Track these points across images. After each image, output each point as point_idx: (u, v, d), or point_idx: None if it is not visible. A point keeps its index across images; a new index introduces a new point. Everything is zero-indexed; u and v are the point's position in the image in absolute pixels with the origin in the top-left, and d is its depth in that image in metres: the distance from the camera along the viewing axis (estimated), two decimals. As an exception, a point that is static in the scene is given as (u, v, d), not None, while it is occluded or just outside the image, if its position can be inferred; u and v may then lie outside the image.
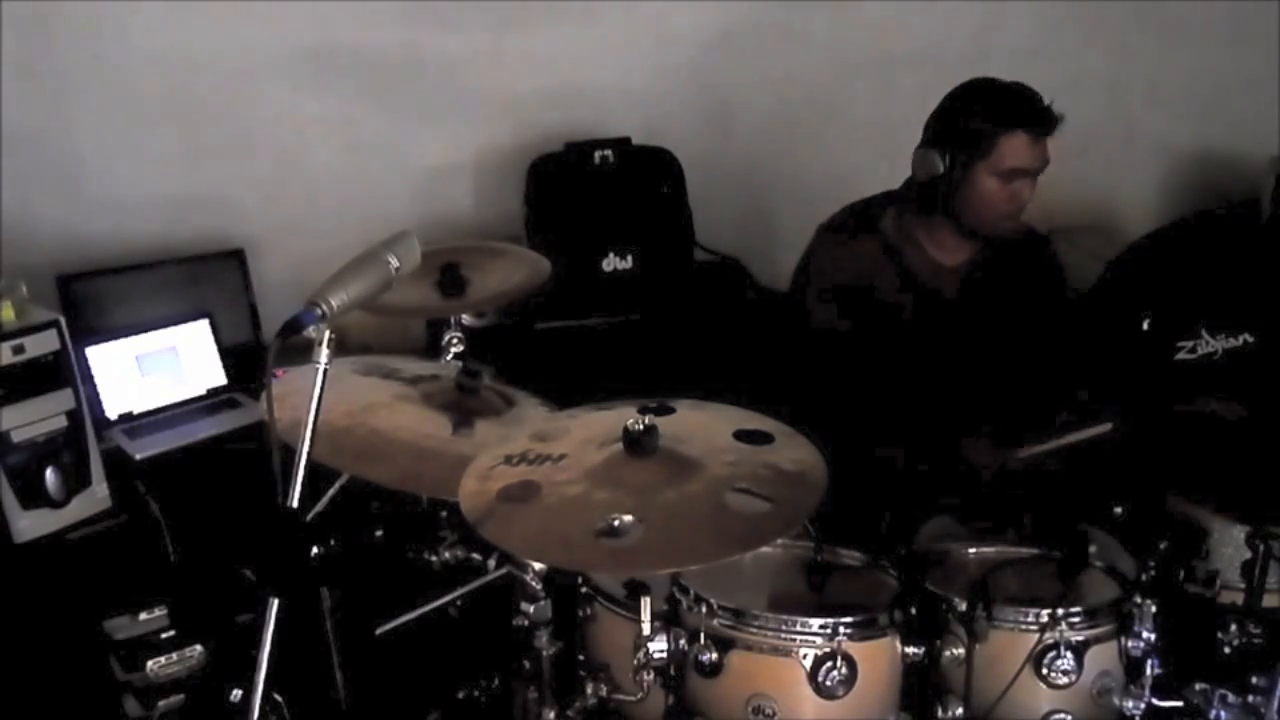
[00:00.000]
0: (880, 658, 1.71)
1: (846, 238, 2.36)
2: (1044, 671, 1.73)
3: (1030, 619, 1.74)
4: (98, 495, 2.45)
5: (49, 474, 2.35)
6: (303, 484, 1.38)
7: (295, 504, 1.37)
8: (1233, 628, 1.87)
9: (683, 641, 1.70)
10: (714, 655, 1.69)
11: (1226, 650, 1.87)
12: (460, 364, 2.17)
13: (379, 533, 2.30)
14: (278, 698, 1.95)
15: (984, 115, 2.19)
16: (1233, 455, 2.05)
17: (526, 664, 1.93)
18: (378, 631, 2.16)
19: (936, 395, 2.27)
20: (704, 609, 1.71)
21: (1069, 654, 1.72)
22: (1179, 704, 1.75)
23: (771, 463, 1.62)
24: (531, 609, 1.79)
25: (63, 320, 2.40)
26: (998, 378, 2.30)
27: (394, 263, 1.50)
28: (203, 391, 2.83)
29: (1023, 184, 2.20)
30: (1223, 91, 3.80)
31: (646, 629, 1.68)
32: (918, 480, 2.17)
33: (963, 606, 1.74)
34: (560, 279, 2.43)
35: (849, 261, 2.33)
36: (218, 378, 2.86)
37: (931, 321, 2.33)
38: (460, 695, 2.33)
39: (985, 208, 2.22)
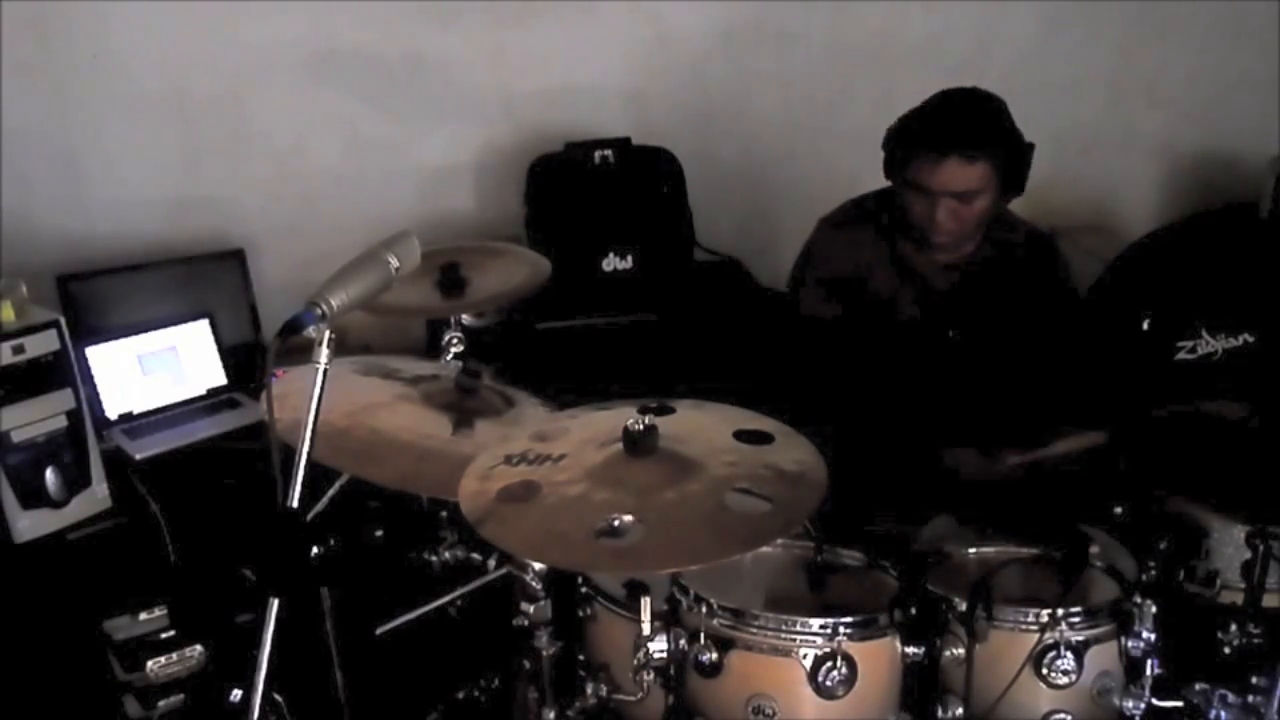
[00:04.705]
0: (880, 658, 1.71)
1: (845, 229, 2.37)
2: (1044, 671, 1.72)
3: (1030, 619, 1.74)
4: (98, 495, 2.45)
5: (49, 474, 2.35)
6: (303, 484, 1.39)
7: (295, 504, 1.37)
8: (1233, 628, 1.86)
9: (683, 641, 1.70)
10: (714, 655, 1.69)
11: (1226, 650, 1.87)
12: (460, 364, 2.17)
13: (379, 533, 2.30)
14: (278, 698, 1.95)
15: (901, 130, 2.21)
16: (1233, 455, 2.05)
17: (526, 664, 1.93)
18: (378, 631, 2.16)
19: (928, 393, 2.27)
20: (704, 609, 1.71)
21: (1069, 654, 1.71)
22: (1179, 704, 1.75)
23: (771, 463, 1.62)
24: (531, 609, 1.79)
25: (63, 320, 2.40)
26: (992, 376, 2.30)
27: (394, 263, 1.50)
28: (203, 391, 2.83)
29: (948, 201, 2.16)
30: (1223, 91, 3.80)
31: (646, 629, 1.68)
32: (913, 485, 2.17)
33: (963, 606, 1.74)
34: (560, 279, 2.43)
35: (847, 252, 2.34)
36: (218, 378, 2.86)
37: (928, 316, 2.34)
38: (460, 695, 2.33)
39: (918, 221, 2.22)
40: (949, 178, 2.13)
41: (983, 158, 2.12)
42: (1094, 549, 1.86)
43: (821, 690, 1.66)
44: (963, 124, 2.14)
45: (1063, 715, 1.75)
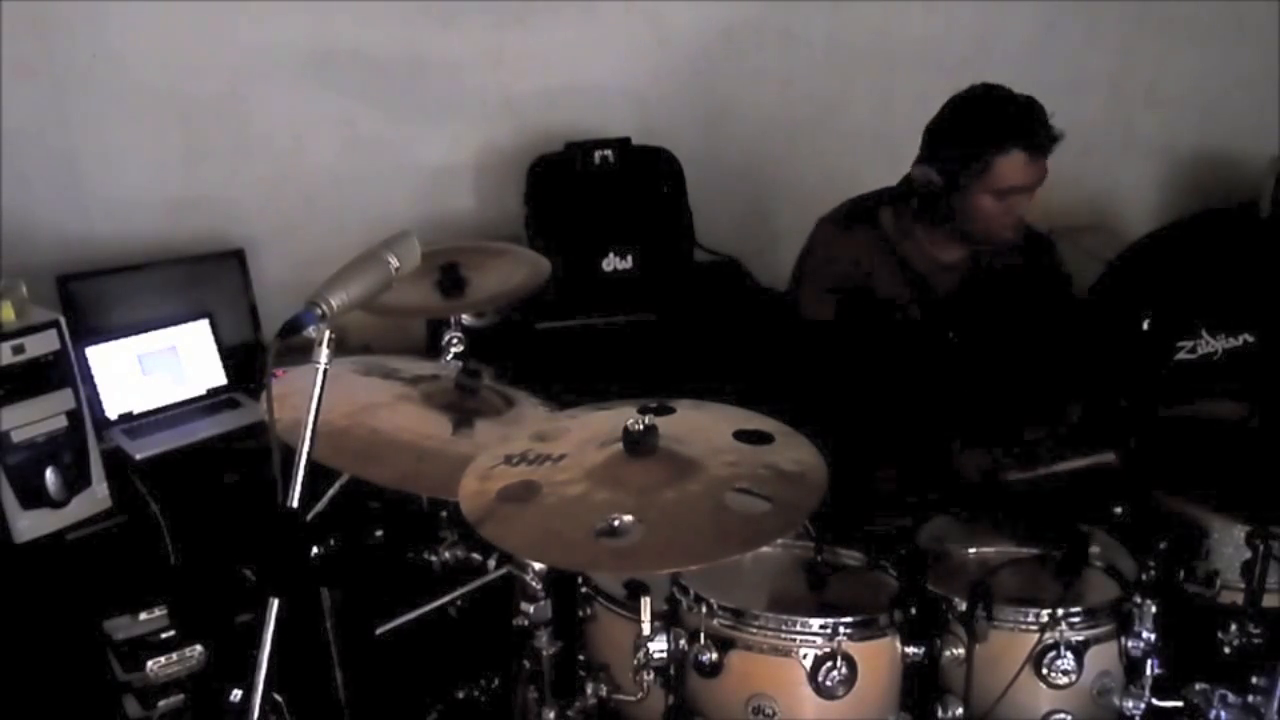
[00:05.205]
0: (880, 658, 1.71)
1: (846, 230, 2.36)
2: (1044, 671, 1.73)
3: (1030, 619, 1.74)
4: (98, 495, 2.44)
5: (49, 474, 2.34)
6: (303, 484, 1.39)
7: (295, 504, 1.37)
8: (1233, 628, 1.86)
9: (683, 641, 1.70)
10: (714, 655, 1.69)
11: (1226, 650, 1.86)
12: (460, 364, 2.17)
13: (379, 533, 2.30)
14: (278, 698, 1.95)
15: (979, 134, 2.17)
16: (1233, 455, 2.05)
17: (526, 664, 1.93)
18: (378, 631, 2.16)
19: (932, 393, 2.27)
20: (704, 609, 1.71)
21: (1069, 654, 1.72)
22: (1179, 704, 1.75)
23: (771, 463, 1.62)
24: (531, 609, 1.79)
25: (63, 320, 2.40)
26: (994, 376, 2.30)
27: (394, 263, 1.50)
28: (203, 391, 2.83)
29: (1019, 199, 2.19)
30: (1223, 91, 3.80)
31: (646, 629, 1.68)
32: (914, 490, 2.17)
33: (963, 606, 1.74)
34: (560, 279, 2.42)
35: (848, 253, 2.34)
36: (218, 378, 2.86)
37: (929, 316, 2.34)
38: (460, 695, 2.33)
39: (983, 224, 2.22)
40: (1040, 169, 2.17)
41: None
42: (1094, 549, 1.87)
43: (821, 690, 1.66)
44: (1040, 117, 2.16)
45: (1063, 715, 1.75)
